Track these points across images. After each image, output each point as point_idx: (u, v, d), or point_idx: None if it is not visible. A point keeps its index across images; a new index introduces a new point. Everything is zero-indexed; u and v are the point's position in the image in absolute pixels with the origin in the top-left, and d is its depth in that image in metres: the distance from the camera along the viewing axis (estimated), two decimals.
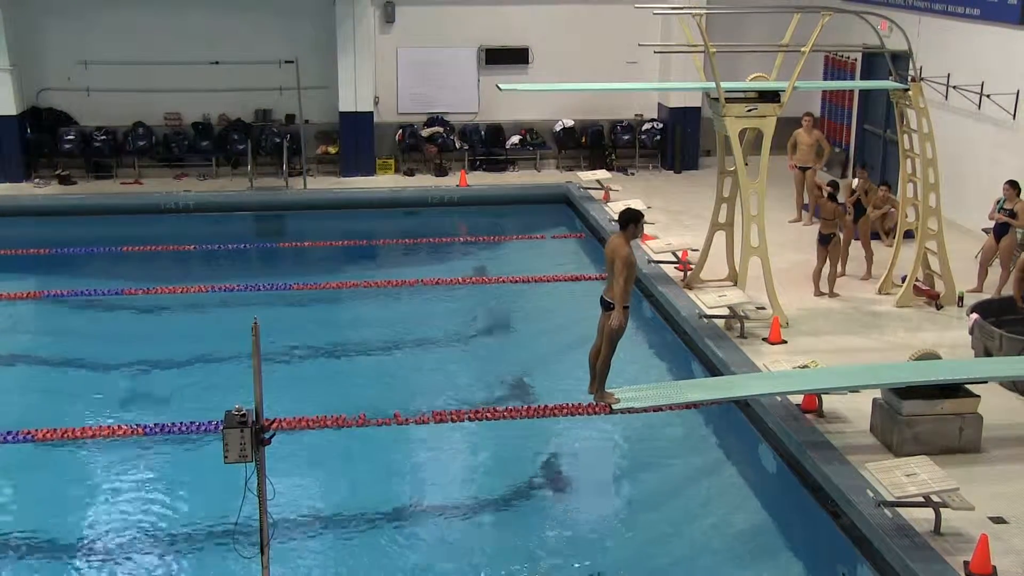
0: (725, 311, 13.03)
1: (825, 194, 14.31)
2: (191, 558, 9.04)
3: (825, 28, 13.19)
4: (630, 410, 10.62)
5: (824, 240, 14.18)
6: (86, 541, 9.27)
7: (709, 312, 13.15)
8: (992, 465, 9.79)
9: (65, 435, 10.87)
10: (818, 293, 14.35)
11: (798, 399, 10.83)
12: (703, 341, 12.71)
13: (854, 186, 15.00)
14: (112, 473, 10.45)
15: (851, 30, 17.67)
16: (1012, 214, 13.77)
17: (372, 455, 10.81)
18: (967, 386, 10.14)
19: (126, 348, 13.43)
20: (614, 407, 10.41)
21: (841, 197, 14.79)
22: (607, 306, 10.14)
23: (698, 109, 21.93)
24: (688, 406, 11.32)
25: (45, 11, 20.90)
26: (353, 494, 10.04)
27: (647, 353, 13.68)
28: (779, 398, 10.86)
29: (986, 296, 13.57)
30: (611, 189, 19.46)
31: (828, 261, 14.25)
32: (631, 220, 10.12)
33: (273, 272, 17.01)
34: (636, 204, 16.99)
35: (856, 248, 15.20)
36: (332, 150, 21.76)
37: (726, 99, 13.10)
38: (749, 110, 13.20)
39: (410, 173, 21.73)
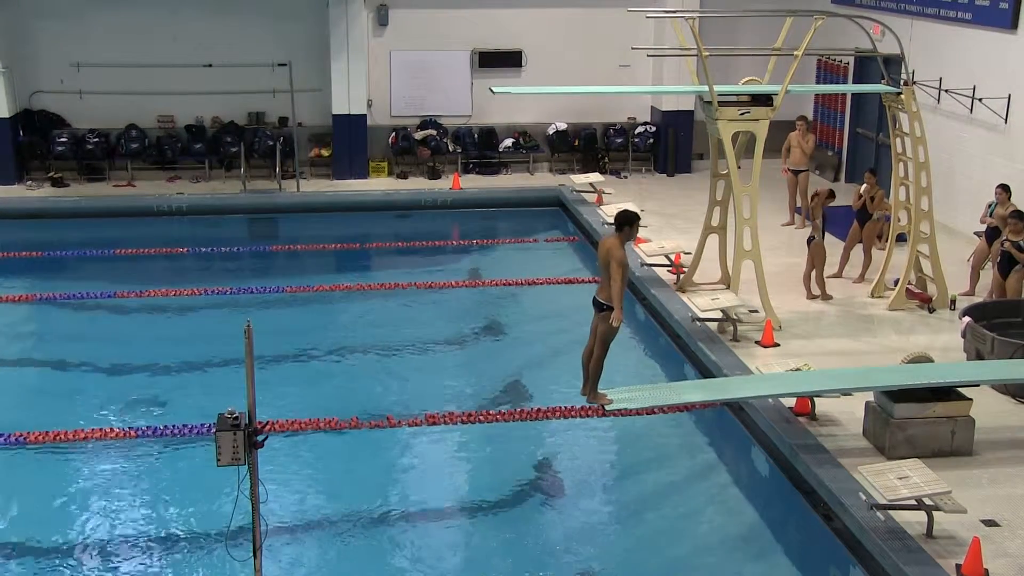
0: (718, 314, 13.04)
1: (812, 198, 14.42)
2: (184, 562, 9.01)
3: (818, 32, 13.22)
4: (623, 412, 10.63)
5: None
6: (77, 545, 9.23)
7: (702, 315, 13.17)
8: (984, 468, 9.81)
9: (57, 438, 10.87)
10: (810, 296, 14.38)
11: (791, 402, 10.85)
12: (696, 344, 12.73)
13: (862, 191, 15.04)
14: (104, 476, 10.42)
15: (844, 34, 17.71)
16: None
17: (365, 458, 10.80)
18: (959, 389, 10.18)
19: (118, 351, 13.41)
20: (607, 408, 10.41)
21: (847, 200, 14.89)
22: (600, 307, 10.15)
23: (691, 112, 21.96)
24: (681, 408, 11.35)
25: (37, 13, 20.86)
26: (346, 497, 10.01)
27: (640, 356, 13.69)
28: (772, 401, 10.87)
29: (978, 299, 13.60)
30: (604, 192, 19.47)
31: (815, 264, 14.29)
32: (627, 222, 10.12)
33: (266, 275, 17.01)
34: (629, 207, 17.07)
35: (855, 252, 15.24)
36: (325, 153, 21.74)
37: (719, 102, 13.12)
38: (742, 113, 13.21)
39: (403, 176, 21.73)
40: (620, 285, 9.89)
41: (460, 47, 22.06)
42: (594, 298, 10.27)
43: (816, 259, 14.22)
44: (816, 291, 14.34)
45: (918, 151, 13.71)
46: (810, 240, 14.20)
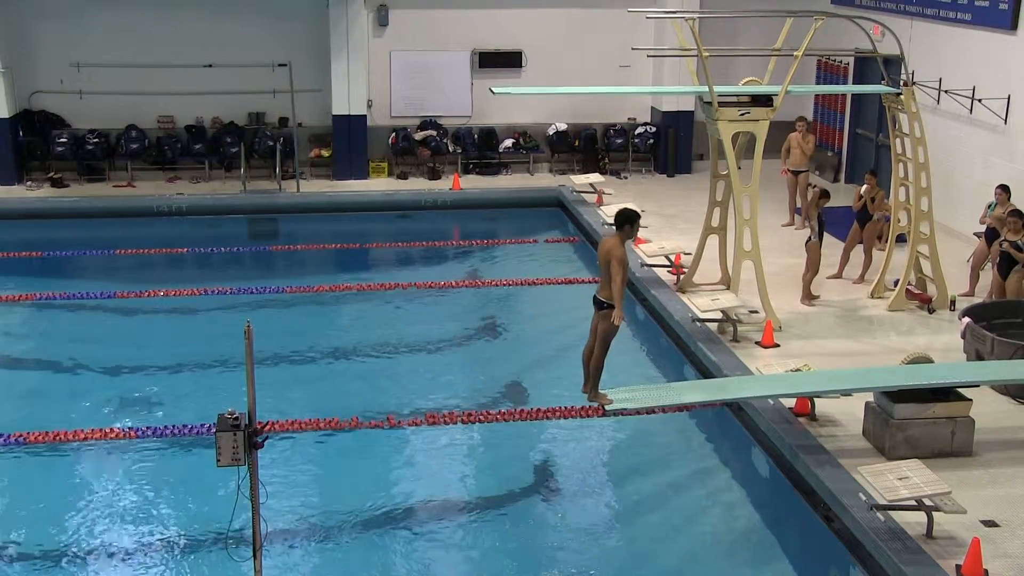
0: (718, 315, 13.04)
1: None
2: (184, 562, 9.01)
3: (818, 32, 13.21)
4: (623, 412, 10.63)
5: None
6: (77, 545, 9.23)
7: (702, 316, 13.17)
8: (984, 468, 9.82)
9: (57, 438, 10.86)
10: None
11: (791, 402, 10.85)
12: (696, 344, 12.73)
13: (862, 191, 15.06)
14: (104, 476, 10.42)
15: (844, 34, 17.72)
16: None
17: (365, 458, 10.80)
18: (959, 390, 10.18)
19: (118, 351, 13.40)
20: (607, 408, 10.41)
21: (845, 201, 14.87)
22: (601, 305, 10.14)
23: (691, 113, 21.96)
24: (681, 408, 11.35)
25: (37, 13, 20.86)
26: (346, 497, 10.02)
27: (640, 356, 13.69)
28: (772, 401, 10.87)
29: (978, 300, 13.60)
30: (604, 193, 19.47)
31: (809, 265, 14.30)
32: (627, 220, 10.11)
33: (266, 275, 17.01)
34: (630, 206, 17.07)
35: (855, 253, 15.25)
36: (325, 153, 21.74)
37: (719, 103, 13.12)
38: (742, 114, 13.21)
39: (403, 176, 21.73)
40: (621, 284, 9.90)
41: (460, 47, 22.06)
42: (595, 296, 10.27)
43: (810, 260, 14.22)
44: (816, 291, 14.34)
45: (918, 152, 13.71)
46: (807, 241, 14.20)
